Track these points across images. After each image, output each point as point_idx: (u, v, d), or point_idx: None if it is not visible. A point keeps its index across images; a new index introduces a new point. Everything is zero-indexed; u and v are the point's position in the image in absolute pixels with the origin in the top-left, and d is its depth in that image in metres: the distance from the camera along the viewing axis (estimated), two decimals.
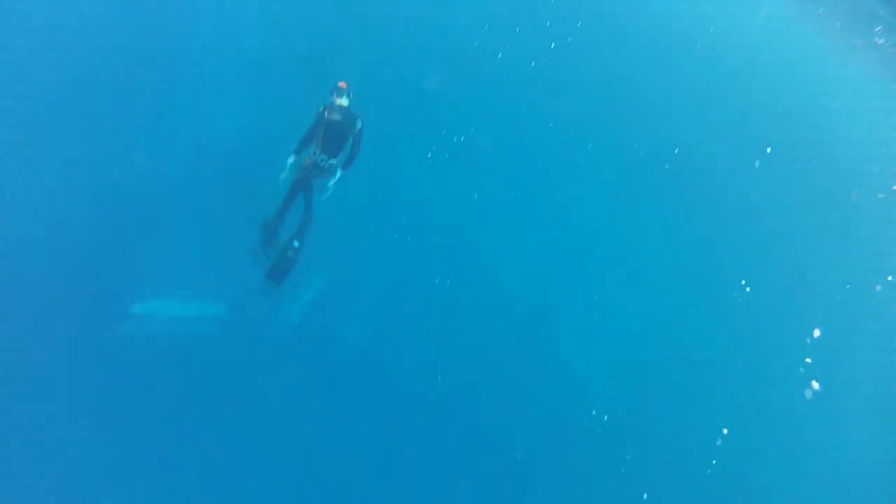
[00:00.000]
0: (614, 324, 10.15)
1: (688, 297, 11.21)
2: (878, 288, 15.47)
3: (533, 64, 11.69)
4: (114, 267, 6.64)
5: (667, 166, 12.79)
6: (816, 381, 12.06)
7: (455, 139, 10.20)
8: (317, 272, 7.13)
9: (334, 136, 5.82)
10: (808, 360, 12.83)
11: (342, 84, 5.96)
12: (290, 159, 5.92)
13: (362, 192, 7.77)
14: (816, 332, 13.12)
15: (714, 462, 9.49)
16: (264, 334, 6.74)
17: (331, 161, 5.89)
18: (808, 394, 12.20)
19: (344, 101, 5.96)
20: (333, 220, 6.94)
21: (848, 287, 14.35)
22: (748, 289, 11.91)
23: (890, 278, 14.21)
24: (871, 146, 15.12)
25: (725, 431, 10.44)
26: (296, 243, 6.28)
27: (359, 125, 5.90)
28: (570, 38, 12.73)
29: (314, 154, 5.87)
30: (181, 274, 6.71)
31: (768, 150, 13.83)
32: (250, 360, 6.55)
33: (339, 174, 6.02)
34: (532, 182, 10.64)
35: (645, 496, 8.07)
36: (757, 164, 14.62)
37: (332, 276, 7.32)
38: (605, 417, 9.47)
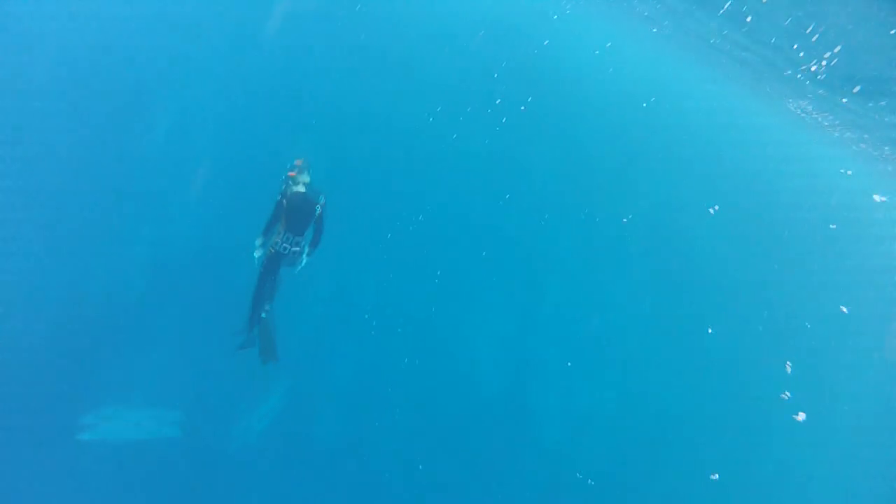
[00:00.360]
0: (590, 388, 10.22)
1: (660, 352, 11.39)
2: (845, 310, 16.01)
3: (486, 141, 12.27)
4: (72, 379, 6.49)
5: (625, 220, 13.33)
6: (799, 413, 12.16)
7: (416, 217, 10.50)
8: (277, 382, 7.09)
9: (297, 220, 5.72)
10: (786, 394, 12.99)
11: (298, 162, 5.84)
12: (258, 253, 5.73)
13: (319, 297, 7.86)
14: (789, 367, 13.37)
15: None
16: (225, 445, 6.60)
17: (294, 248, 5.79)
18: (800, 416, 12.23)
19: (301, 185, 5.82)
20: (292, 327, 6.96)
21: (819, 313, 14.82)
22: (711, 330, 12.22)
23: (845, 309, 14.75)
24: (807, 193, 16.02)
25: (716, 476, 10.37)
26: (267, 306, 6.06)
27: (319, 208, 5.78)
28: (521, 110, 13.48)
29: (278, 243, 5.71)
30: (139, 385, 6.59)
31: (713, 209, 14.62)
32: (211, 472, 6.39)
33: (304, 261, 5.89)
34: (495, 259, 10.84)
35: None
36: (714, 209, 15.39)
37: (294, 386, 7.25)
38: (590, 481, 9.34)
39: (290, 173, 5.83)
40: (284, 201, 5.70)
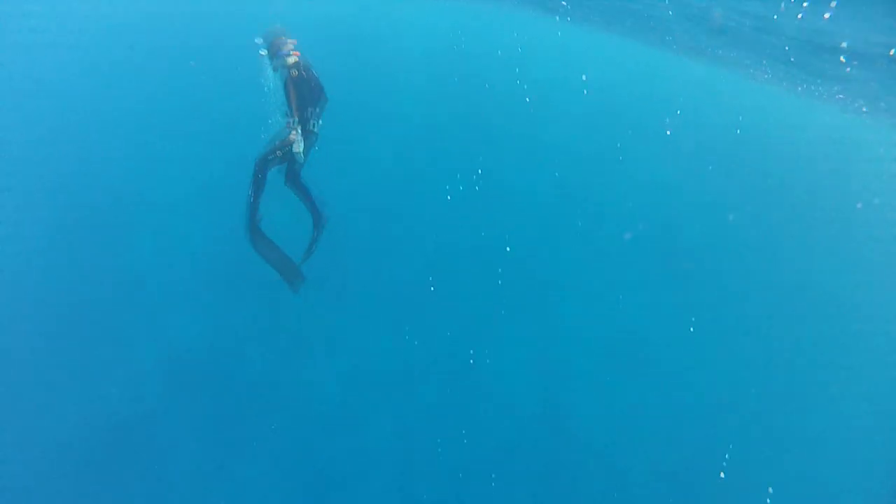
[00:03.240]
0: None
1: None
2: None
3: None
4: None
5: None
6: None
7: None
8: None
9: (307, 90, 5.04)
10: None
11: (293, 43, 5.19)
12: (299, 142, 4.85)
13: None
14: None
15: None
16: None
17: (319, 121, 5.15)
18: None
19: (294, 57, 5.15)
20: None
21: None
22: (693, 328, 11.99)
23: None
24: None
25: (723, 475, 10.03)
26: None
27: (314, 70, 5.23)
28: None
29: (307, 122, 4.99)
30: None
31: None
32: None
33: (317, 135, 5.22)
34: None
35: None
36: None
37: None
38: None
39: (291, 41, 5.17)
40: (294, 71, 4.95)
